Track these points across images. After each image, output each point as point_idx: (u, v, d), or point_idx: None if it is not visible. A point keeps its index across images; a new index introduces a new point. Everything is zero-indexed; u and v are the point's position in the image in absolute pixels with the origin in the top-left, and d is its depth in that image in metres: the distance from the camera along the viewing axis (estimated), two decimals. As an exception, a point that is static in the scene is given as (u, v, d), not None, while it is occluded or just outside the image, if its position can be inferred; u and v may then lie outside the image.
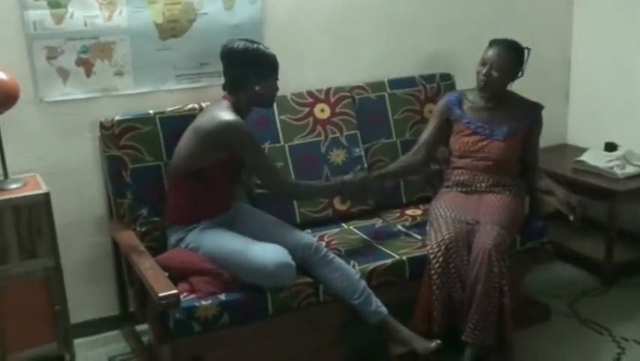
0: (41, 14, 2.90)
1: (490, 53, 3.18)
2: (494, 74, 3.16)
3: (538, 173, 3.30)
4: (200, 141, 2.77)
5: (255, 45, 2.86)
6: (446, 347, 2.81)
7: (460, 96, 3.33)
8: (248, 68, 2.83)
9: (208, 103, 3.04)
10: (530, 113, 3.27)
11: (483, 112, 3.26)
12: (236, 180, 2.96)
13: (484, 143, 3.21)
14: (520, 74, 3.24)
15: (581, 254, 3.82)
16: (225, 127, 2.75)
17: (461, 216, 3.03)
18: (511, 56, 3.18)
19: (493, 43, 3.22)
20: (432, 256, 2.89)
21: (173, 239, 2.87)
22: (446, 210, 3.07)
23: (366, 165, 3.40)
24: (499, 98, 3.25)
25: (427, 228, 3.09)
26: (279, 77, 2.91)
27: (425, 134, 3.35)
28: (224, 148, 2.78)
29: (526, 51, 3.22)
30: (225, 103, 2.84)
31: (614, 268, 3.65)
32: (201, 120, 2.83)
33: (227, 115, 2.76)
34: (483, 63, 3.20)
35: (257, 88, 2.84)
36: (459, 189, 3.23)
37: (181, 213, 2.87)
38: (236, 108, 2.83)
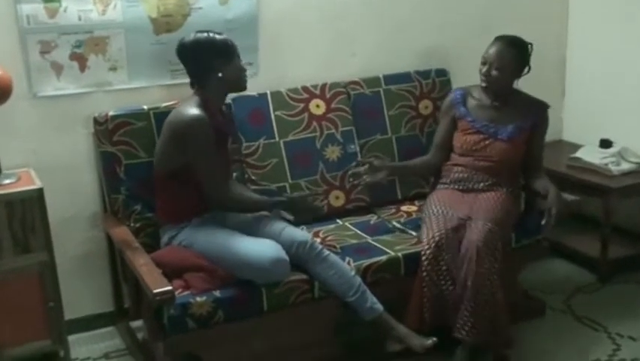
0: (35, 8, 2.88)
1: (491, 51, 3.11)
2: (494, 73, 3.09)
3: (540, 174, 3.23)
4: (170, 138, 2.76)
5: (205, 34, 2.82)
6: (436, 348, 2.79)
7: (465, 93, 3.27)
8: (205, 59, 2.79)
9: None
10: (535, 112, 3.21)
11: (489, 110, 3.20)
12: None
13: (487, 142, 3.16)
14: (526, 69, 3.16)
15: (577, 251, 3.82)
16: (189, 122, 2.70)
17: (454, 212, 3.00)
18: (512, 54, 3.10)
19: (495, 40, 3.14)
20: (422, 254, 2.88)
21: (166, 237, 2.85)
22: (439, 207, 3.04)
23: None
24: (505, 96, 3.19)
25: (421, 224, 3.07)
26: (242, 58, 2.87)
27: (438, 137, 3.32)
28: None
29: (529, 47, 3.14)
30: (194, 99, 2.80)
31: (609, 264, 3.65)
32: (170, 118, 2.80)
33: (192, 110, 2.72)
34: (483, 62, 3.13)
35: (220, 75, 2.79)
36: (456, 186, 3.19)
37: (170, 213, 2.86)
38: (205, 103, 2.78)
